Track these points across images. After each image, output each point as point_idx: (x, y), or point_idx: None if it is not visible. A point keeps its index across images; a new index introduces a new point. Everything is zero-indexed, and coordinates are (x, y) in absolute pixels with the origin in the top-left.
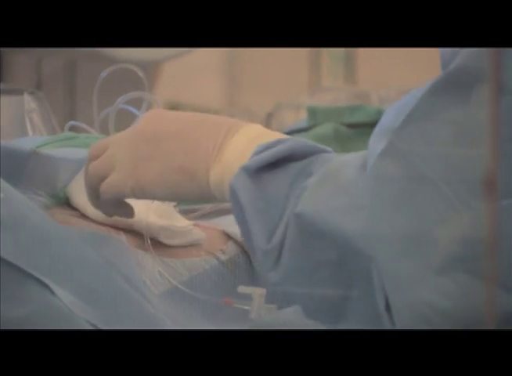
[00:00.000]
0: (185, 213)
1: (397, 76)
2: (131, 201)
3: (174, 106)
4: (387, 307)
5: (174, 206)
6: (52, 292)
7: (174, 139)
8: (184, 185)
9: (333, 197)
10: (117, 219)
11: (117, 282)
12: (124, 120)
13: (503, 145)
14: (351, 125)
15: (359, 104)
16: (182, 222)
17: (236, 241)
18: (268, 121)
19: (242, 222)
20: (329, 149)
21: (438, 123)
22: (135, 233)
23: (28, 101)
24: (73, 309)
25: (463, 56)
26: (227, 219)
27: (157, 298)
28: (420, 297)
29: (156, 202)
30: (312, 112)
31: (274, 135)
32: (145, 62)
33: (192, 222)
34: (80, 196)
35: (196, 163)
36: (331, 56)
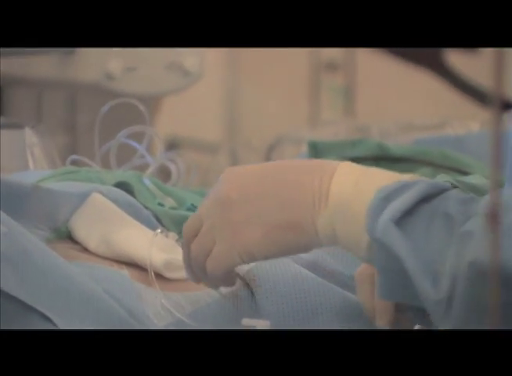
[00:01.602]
0: None
1: (396, 109)
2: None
3: (175, 140)
4: None
5: (177, 240)
6: (55, 326)
7: (266, 195)
8: (292, 239)
9: (507, 240)
10: (119, 253)
11: (120, 315)
12: (126, 154)
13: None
14: (352, 159)
15: (360, 138)
16: None
17: (238, 275)
18: (268, 155)
19: (395, 273)
20: (447, 185)
21: None
22: (137, 266)
23: (29, 135)
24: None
25: None
26: None
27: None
28: None
29: (159, 235)
30: (313, 146)
31: (373, 173)
32: (146, 96)
33: None
34: (81, 230)
35: (299, 216)
36: (330, 90)
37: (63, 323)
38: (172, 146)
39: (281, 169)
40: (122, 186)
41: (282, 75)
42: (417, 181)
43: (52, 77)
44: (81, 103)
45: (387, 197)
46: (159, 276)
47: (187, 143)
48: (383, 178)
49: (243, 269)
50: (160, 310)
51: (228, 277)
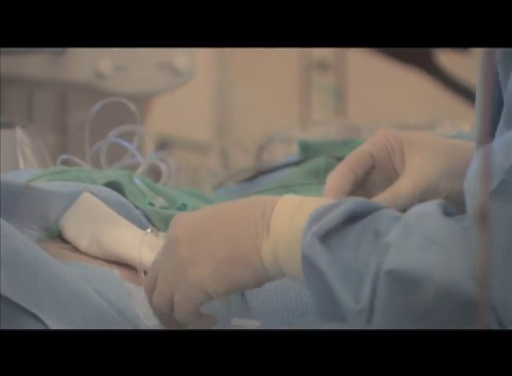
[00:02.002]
0: None
1: (387, 109)
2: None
3: (165, 140)
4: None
5: None
6: (46, 325)
7: (211, 232)
8: (240, 273)
9: (422, 249)
10: (110, 253)
11: (110, 316)
12: (116, 153)
13: None
14: (343, 159)
15: (351, 138)
16: None
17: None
18: (259, 154)
19: (321, 288)
20: (384, 204)
21: None
22: (127, 266)
23: (20, 135)
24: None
25: None
26: None
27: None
28: None
29: (149, 235)
30: (304, 146)
31: (313, 201)
32: (136, 95)
33: None
34: (72, 229)
35: (244, 248)
36: (321, 90)
37: (54, 324)
38: (163, 145)
39: (226, 207)
40: (112, 185)
41: (273, 75)
42: (345, 200)
43: (43, 76)
44: (72, 103)
45: (316, 218)
46: None
47: (178, 143)
48: (319, 204)
49: None
50: (151, 310)
51: (200, 316)
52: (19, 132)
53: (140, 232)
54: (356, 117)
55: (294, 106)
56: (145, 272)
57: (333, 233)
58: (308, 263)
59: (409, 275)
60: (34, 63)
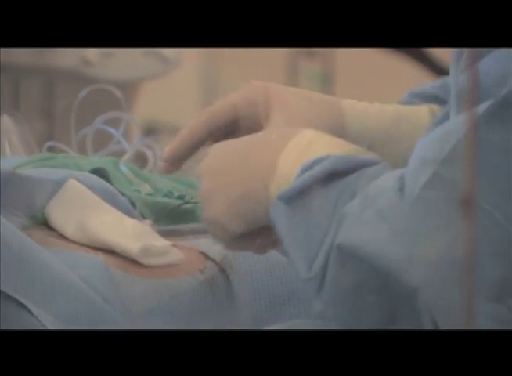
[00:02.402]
0: (163, 233)
1: (375, 95)
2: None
3: (152, 126)
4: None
5: (152, 225)
6: (31, 313)
7: (229, 170)
8: (252, 210)
9: (373, 225)
10: (95, 239)
11: (96, 302)
12: (102, 140)
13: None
14: None
15: None
16: (160, 242)
17: (214, 261)
18: None
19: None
20: (372, 157)
21: (490, 150)
22: (113, 252)
23: (6, 122)
24: (53, 329)
25: None
26: (205, 240)
27: (137, 318)
28: (473, 323)
29: (133, 221)
30: None
31: (321, 144)
32: (122, 82)
33: (170, 243)
34: (58, 216)
35: (254, 186)
36: (308, 76)
37: (39, 312)
38: (150, 131)
39: (247, 142)
40: (98, 172)
41: (260, 61)
42: (329, 156)
43: (29, 63)
44: (58, 90)
45: (298, 174)
46: (135, 262)
47: (164, 129)
48: (327, 149)
49: (219, 254)
50: (137, 297)
51: (250, 239)
52: (5, 120)
53: (126, 218)
54: None
55: None
56: (132, 260)
57: (308, 193)
58: (273, 224)
59: (358, 251)
60: (20, 50)
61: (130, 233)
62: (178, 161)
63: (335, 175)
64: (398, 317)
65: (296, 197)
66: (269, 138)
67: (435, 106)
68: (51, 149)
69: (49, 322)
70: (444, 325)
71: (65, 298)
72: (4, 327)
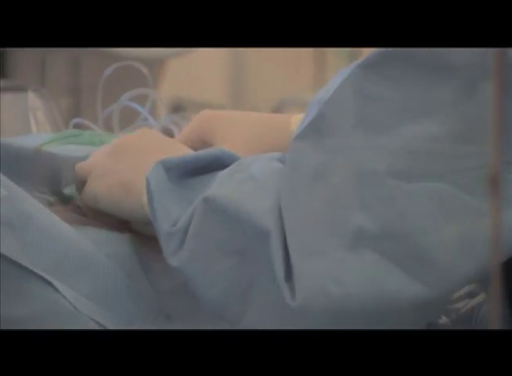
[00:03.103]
0: None
1: None
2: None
3: (179, 103)
4: (287, 278)
5: None
6: (56, 290)
7: (130, 155)
8: (123, 200)
9: (241, 183)
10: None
11: (122, 279)
12: (129, 117)
13: None
14: None
15: None
16: None
17: None
18: None
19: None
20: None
21: (367, 99)
22: (138, 231)
23: (32, 98)
24: (78, 306)
25: None
26: None
27: (163, 295)
28: (324, 268)
29: None
30: None
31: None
32: (149, 59)
33: None
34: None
35: (134, 179)
36: (336, 53)
37: (65, 289)
38: (176, 108)
39: (161, 142)
40: None
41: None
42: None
43: None
44: (85, 66)
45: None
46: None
47: (191, 106)
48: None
49: None
50: (159, 274)
51: None
52: (31, 96)
53: None
54: None
55: (309, 70)
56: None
57: (193, 176)
58: (146, 186)
59: (220, 202)
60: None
61: None
62: None
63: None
64: (257, 282)
65: (184, 174)
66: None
67: None
68: (77, 126)
69: (74, 298)
70: (299, 270)
71: (90, 277)
72: (28, 304)
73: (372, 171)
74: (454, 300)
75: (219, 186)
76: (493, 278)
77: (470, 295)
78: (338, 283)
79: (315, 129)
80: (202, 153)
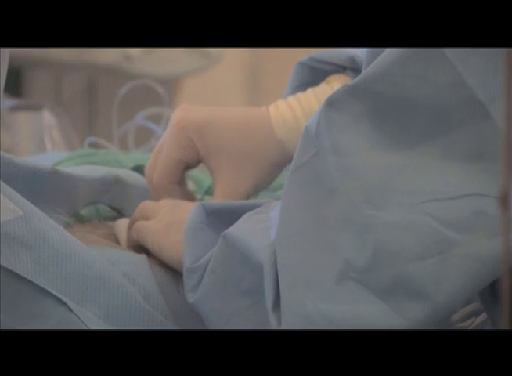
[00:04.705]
0: None
1: None
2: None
3: None
4: (275, 307)
5: None
6: (70, 309)
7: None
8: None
9: (257, 222)
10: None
11: (137, 301)
12: (144, 136)
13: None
14: None
15: None
16: None
17: None
18: None
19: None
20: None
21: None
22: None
23: (47, 117)
24: (92, 326)
25: None
26: None
27: (178, 317)
28: (310, 299)
29: None
30: None
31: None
32: (165, 78)
33: None
34: None
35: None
36: None
37: (78, 308)
38: None
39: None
40: (139, 169)
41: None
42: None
43: (71, 58)
44: (100, 85)
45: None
46: None
47: None
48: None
49: None
50: (177, 293)
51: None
52: (46, 115)
53: None
54: None
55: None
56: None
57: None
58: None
59: (234, 239)
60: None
61: None
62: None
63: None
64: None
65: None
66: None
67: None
68: (92, 144)
69: (88, 319)
70: (286, 299)
71: (105, 297)
72: (42, 323)
73: (351, 203)
74: (459, 319)
75: (238, 224)
76: (504, 299)
77: (476, 313)
78: (322, 314)
79: (308, 160)
80: (241, 202)
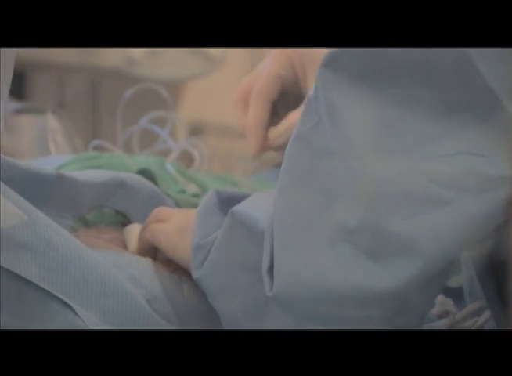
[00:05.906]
0: None
1: None
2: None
3: (198, 126)
4: (269, 270)
5: None
6: (75, 313)
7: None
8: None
9: (263, 198)
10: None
11: (142, 305)
12: (148, 139)
13: None
14: None
15: None
16: None
17: None
18: None
19: None
20: None
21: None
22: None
23: (51, 120)
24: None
25: None
26: None
27: (183, 321)
28: (302, 260)
29: None
30: None
31: None
32: (169, 81)
33: None
34: None
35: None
36: None
37: (83, 311)
38: (196, 131)
39: None
40: (144, 172)
41: None
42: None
43: (74, 62)
44: (104, 88)
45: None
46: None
47: (211, 128)
48: None
49: None
50: (182, 297)
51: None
52: (50, 118)
53: None
54: None
55: None
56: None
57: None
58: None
59: (241, 215)
60: (65, 48)
61: None
62: (263, 152)
63: None
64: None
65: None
66: None
67: None
68: (97, 147)
69: (92, 323)
70: (279, 263)
71: (109, 302)
72: (48, 325)
73: (345, 166)
74: (462, 319)
75: (246, 201)
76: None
77: (478, 313)
78: (313, 276)
79: (308, 131)
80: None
